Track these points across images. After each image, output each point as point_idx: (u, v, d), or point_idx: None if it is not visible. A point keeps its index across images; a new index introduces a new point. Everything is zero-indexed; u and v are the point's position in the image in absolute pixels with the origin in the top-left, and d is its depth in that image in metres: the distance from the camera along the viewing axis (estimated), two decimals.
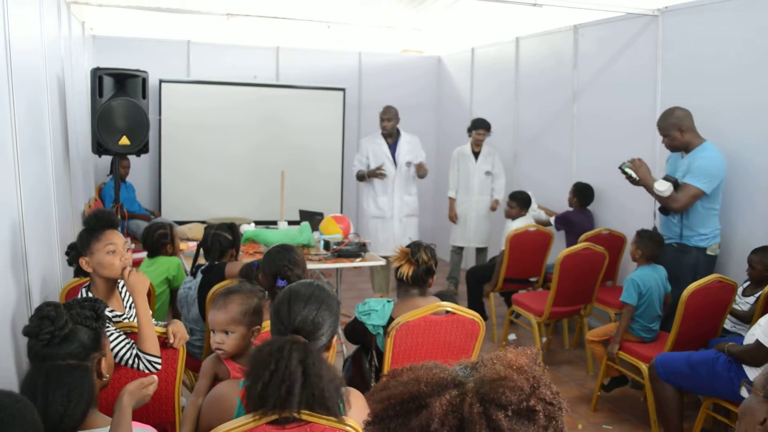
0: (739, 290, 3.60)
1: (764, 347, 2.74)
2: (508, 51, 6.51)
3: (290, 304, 1.76)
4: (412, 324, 2.70)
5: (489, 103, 6.86)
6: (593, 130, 5.34)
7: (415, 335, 2.72)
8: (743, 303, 3.60)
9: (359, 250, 4.40)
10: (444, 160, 6.73)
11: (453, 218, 6.14)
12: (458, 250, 6.23)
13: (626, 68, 4.95)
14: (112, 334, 2.24)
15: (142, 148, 4.55)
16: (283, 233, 4.67)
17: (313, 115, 7.25)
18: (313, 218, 5.00)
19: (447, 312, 2.74)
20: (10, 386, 1.95)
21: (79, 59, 5.33)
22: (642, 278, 3.65)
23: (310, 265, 4.00)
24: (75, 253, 2.49)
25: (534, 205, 5.37)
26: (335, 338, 1.86)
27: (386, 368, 2.70)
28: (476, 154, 6.01)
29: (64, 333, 1.66)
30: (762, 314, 3.11)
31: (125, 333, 2.33)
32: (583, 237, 4.61)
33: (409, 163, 5.65)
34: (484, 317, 3.50)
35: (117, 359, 2.22)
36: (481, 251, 6.18)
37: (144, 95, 4.53)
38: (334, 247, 4.39)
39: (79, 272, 2.68)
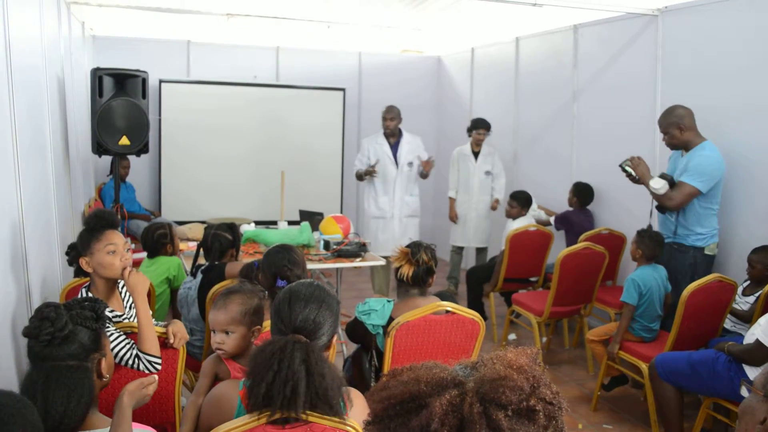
0: (739, 290, 3.60)
1: (764, 347, 2.74)
2: (508, 51, 6.51)
3: (291, 304, 1.76)
4: (412, 324, 2.70)
5: (489, 103, 6.86)
6: (593, 130, 5.34)
7: (415, 335, 2.72)
8: (743, 302, 3.60)
9: (359, 250, 4.40)
10: (444, 160, 6.72)
11: (453, 218, 6.14)
12: (458, 250, 6.23)
13: (626, 68, 4.95)
14: (112, 334, 2.24)
15: (142, 149, 4.55)
16: (283, 233, 4.67)
17: (313, 115, 7.25)
18: (313, 218, 5.01)
19: (447, 312, 2.74)
20: (10, 386, 1.95)
21: (79, 59, 5.33)
22: (642, 278, 3.66)
23: (310, 265, 4.00)
24: (75, 253, 2.49)
25: (534, 205, 5.37)
26: (335, 338, 1.86)
27: (386, 368, 2.70)
28: (476, 154, 6.01)
29: (64, 334, 1.66)
30: (762, 314, 3.11)
31: (125, 333, 2.33)
32: (583, 237, 4.62)
33: (410, 164, 5.64)
34: (484, 317, 3.50)
35: (117, 359, 2.22)
36: (481, 251, 6.18)
37: (144, 95, 4.53)
38: (334, 247, 4.39)
39: (80, 272, 2.68)
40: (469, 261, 6.63)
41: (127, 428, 1.69)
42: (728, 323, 3.64)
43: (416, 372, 0.90)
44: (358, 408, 1.72)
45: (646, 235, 3.76)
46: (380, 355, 2.77)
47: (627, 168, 3.97)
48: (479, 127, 5.93)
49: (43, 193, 3.11)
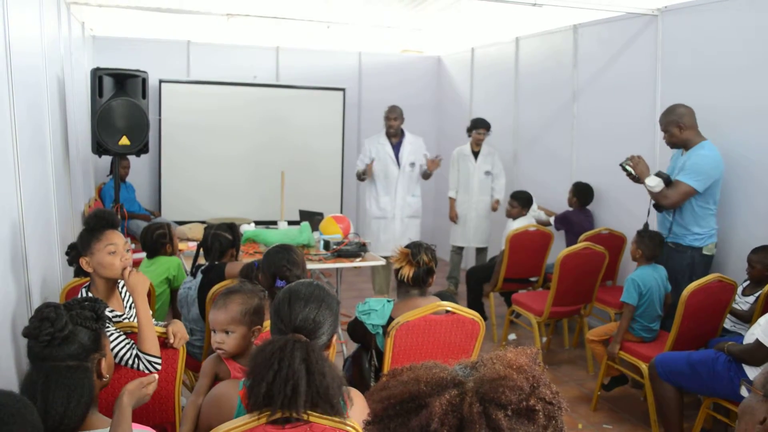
0: (739, 290, 3.60)
1: (764, 347, 2.74)
2: (508, 51, 6.51)
3: (290, 304, 1.76)
4: (412, 324, 2.70)
5: (489, 103, 6.86)
6: (593, 130, 5.34)
7: (415, 335, 2.72)
8: (743, 302, 3.60)
9: (359, 250, 4.40)
10: (444, 160, 6.71)
11: (453, 218, 6.14)
12: (458, 250, 6.23)
13: (626, 68, 4.95)
14: (112, 334, 2.24)
15: (141, 149, 4.55)
16: (283, 233, 4.67)
17: (313, 115, 7.25)
18: (313, 218, 5.01)
19: (447, 312, 2.74)
20: (10, 386, 1.95)
21: (79, 59, 5.34)
22: (642, 278, 3.66)
23: (310, 265, 4.00)
24: (75, 253, 2.49)
25: (534, 206, 5.37)
26: (335, 337, 1.86)
27: (386, 368, 2.70)
28: (476, 154, 6.01)
29: (63, 334, 1.66)
30: (762, 314, 3.11)
31: (125, 333, 2.33)
32: (582, 237, 4.62)
33: (412, 164, 5.63)
34: (484, 317, 3.50)
35: (117, 359, 2.22)
36: (481, 251, 6.18)
37: (144, 95, 4.53)
38: (334, 247, 4.39)
39: (80, 272, 2.68)
40: (469, 261, 6.63)
41: (127, 428, 1.69)
42: (728, 323, 3.64)
43: (416, 372, 0.90)
44: (358, 408, 1.72)
45: (645, 235, 3.76)
46: (380, 355, 2.77)
47: (627, 167, 3.98)
48: (479, 126, 5.93)
49: (43, 193, 3.11)
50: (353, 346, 3.09)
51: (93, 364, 1.71)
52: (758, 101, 3.84)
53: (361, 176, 5.61)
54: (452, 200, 6.16)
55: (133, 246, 4.28)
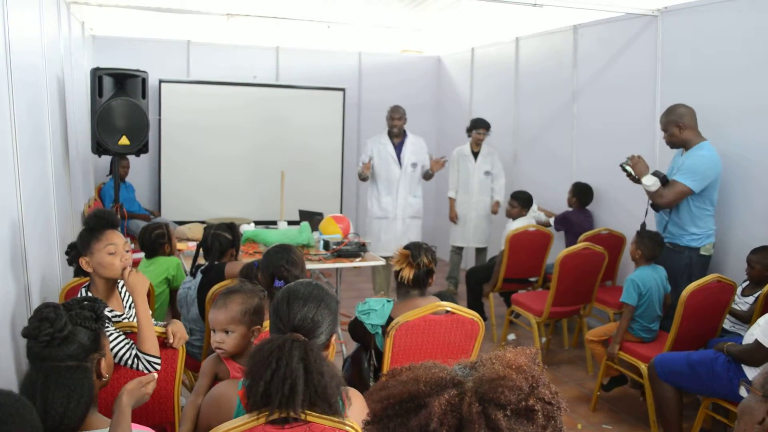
0: (738, 290, 3.60)
1: (763, 347, 2.74)
2: (508, 51, 6.51)
3: (289, 303, 1.76)
4: (411, 324, 2.70)
5: (489, 103, 6.86)
6: (593, 130, 5.34)
7: (414, 335, 2.72)
8: (742, 303, 3.60)
9: (359, 250, 4.40)
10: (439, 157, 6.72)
11: (453, 218, 6.14)
12: (458, 250, 6.23)
13: (626, 68, 4.95)
14: (111, 334, 2.24)
15: (141, 148, 4.55)
16: (283, 233, 4.67)
17: (312, 116, 7.25)
18: (312, 218, 5.00)
19: (446, 312, 2.74)
20: (10, 386, 1.95)
21: (78, 59, 5.34)
22: (642, 278, 3.66)
23: (309, 265, 4.00)
24: (75, 252, 2.49)
25: (534, 207, 5.37)
26: (334, 337, 1.86)
27: (385, 368, 2.70)
28: (475, 154, 6.01)
29: (63, 334, 1.66)
30: (761, 314, 3.11)
31: (125, 333, 2.33)
32: (582, 237, 4.62)
33: (414, 164, 5.62)
34: (484, 317, 3.50)
35: (116, 359, 2.22)
36: (480, 251, 6.18)
37: (144, 95, 4.53)
38: (334, 247, 4.39)
39: (79, 272, 2.68)
40: (468, 261, 6.63)
41: (127, 428, 1.69)
42: (727, 323, 3.64)
43: (415, 372, 0.90)
44: (357, 407, 1.72)
45: (645, 236, 3.77)
46: (379, 355, 2.77)
47: (627, 168, 3.98)
48: (479, 126, 5.93)
49: (43, 192, 3.12)
50: (353, 346, 3.09)
51: (92, 364, 1.71)
52: (758, 101, 3.84)
53: (363, 176, 5.60)
54: (452, 200, 6.16)
55: (132, 246, 4.28)
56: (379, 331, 2.77)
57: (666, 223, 3.95)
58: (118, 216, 2.73)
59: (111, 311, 2.45)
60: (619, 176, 4.18)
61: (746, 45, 3.93)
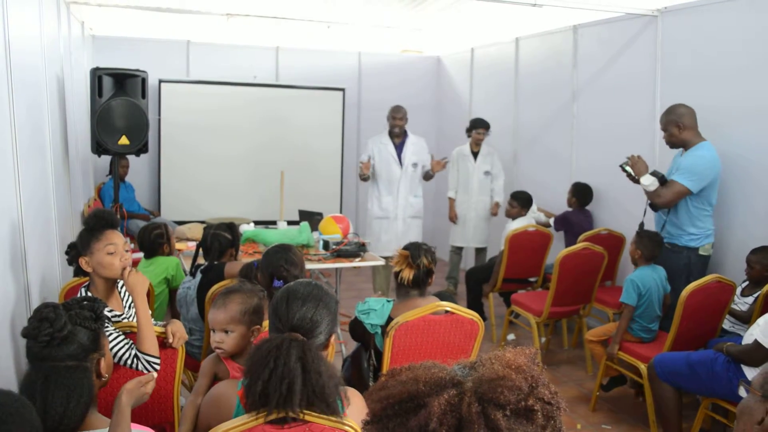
0: (738, 290, 3.60)
1: (763, 347, 2.74)
2: (507, 51, 6.51)
3: (288, 303, 1.76)
4: (411, 324, 2.70)
5: (489, 104, 6.86)
6: (593, 131, 5.34)
7: (414, 335, 2.72)
8: (742, 303, 3.60)
9: (358, 250, 4.40)
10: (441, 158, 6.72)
11: (453, 218, 6.14)
12: (457, 251, 6.23)
13: (626, 69, 4.95)
14: (111, 334, 2.24)
15: (141, 148, 4.55)
16: (283, 233, 4.67)
17: (312, 116, 7.25)
18: (312, 218, 5.01)
19: (446, 312, 2.74)
20: (10, 386, 1.95)
21: (78, 59, 5.33)
22: (641, 279, 3.66)
23: (309, 265, 4.00)
24: (75, 252, 2.49)
25: (534, 207, 5.37)
26: (333, 337, 1.86)
27: (385, 368, 2.70)
28: (475, 155, 6.01)
29: (63, 334, 1.66)
30: (761, 314, 3.11)
31: (124, 333, 2.33)
32: (582, 237, 4.62)
33: (415, 165, 5.62)
34: (483, 317, 3.51)
35: (116, 359, 2.22)
36: (480, 251, 6.18)
37: (143, 95, 4.53)
38: (334, 247, 4.39)
39: (79, 272, 2.68)
40: (468, 261, 6.63)
41: (126, 428, 1.69)
42: (727, 324, 3.64)
43: (415, 372, 0.90)
44: (356, 407, 1.72)
45: (645, 236, 3.77)
46: (379, 355, 2.77)
47: (627, 168, 3.99)
48: (478, 126, 5.94)
49: (43, 192, 3.12)
50: (352, 346, 3.09)
51: (92, 364, 1.71)
52: (758, 101, 3.84)
53: (363, 177, 5.58)
54: (452, 200, 6.16)
55: (132, 246, 4.28)
56: (379, 330, 2.77)
57: (664, 222, 3.96)
58: (118, 216, 2.73)
59: (111, 311, 2.45)
60: (618, 176, 4.19)
61: (746, 45, 3.93)
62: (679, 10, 4.44)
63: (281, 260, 2.74)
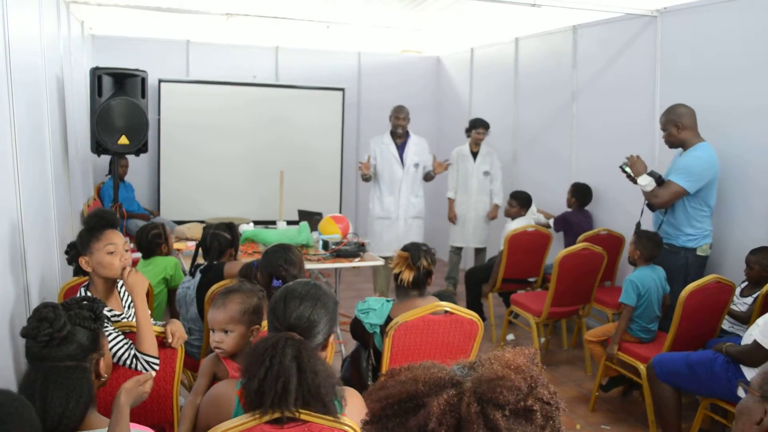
0: (737, 291, 3.60)
1: (762, 347, 2.74)
2: (507, 51, 6.51)
3: (286, 302, 1.76)
4: (410, 324, 2.70)
5: (488, 104, 6.87)
6: (592, 131, 5.34)
7: (413, 335, 2.72)
8: (741, 303, 3.60)
9: (358, 250, 4.40)
10: (442, 160, 6.71)
11: (452, 219, 6.14)
12: (457, 251, 6.23)
13: (625, 69, 4.95)
14: (110, 334, 2.24)
15: (141, 148, 4.55)
16: (282, 233, 4.67)
17: (312, 115, 7.25)
18: (311, 218, 5.01)
19: (446, 312, 2.74)
20: (9, 386, 1.95)
21: (78, 59, 5.33)
22: (641, 279, 3.66)
23: (308, 265, 4.00)
24: (74, 252, 2.49)
25: (533, 208, 5.38)
26: (332, 337, 1.86)
27: (384, 368, 2.70)
28: (474, 155, 6.01)
29: (62, 335, 1.66)
30: (760, 315, 3.11)
31: (124, 333, 2.33)
32: (581, 237, 4.62)
33: (417, 165, 5.62)
34: (483, 317, 3.51)
35: (115, 359, 2.22)
36: (479, 252, 6.18)
37: (143, 95, 4.53)
38: (333, 247, 4.39)
39: (79, 271, 2.68)
40: (467, 261, 6.63)
41: (125, 427, 1.69)
42: (726, 324, 3.64)
43: (414, 372, 0.90)
44: (355, 407, 1.72)
45: (644, 236, 3.77)
46: (378, 354, 2.77)
47: (626, 169, 3.99)
48: (478, 126, 5.94)
49: (42, 192, 3.11)
50: (352, 347, 3.09)
51: (91, 364, 1.71)
52: (757, 102, 3.84)
53: (365, 177, 5.58)
54: (451, 201, 6.16)
55: (132, 245, 4.28)
56: (378, 330, 2.77)
57: (660, 222, 3.96)
58: (117, 215, 2.73)
59: (110, 311, 2.45)
60: (618, 177, 4.19)
61: (746, 45, 3.93)
62: (678, 11, 4.44)
63: (280, 260, 2.74)
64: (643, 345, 3.68)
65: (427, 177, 5.69)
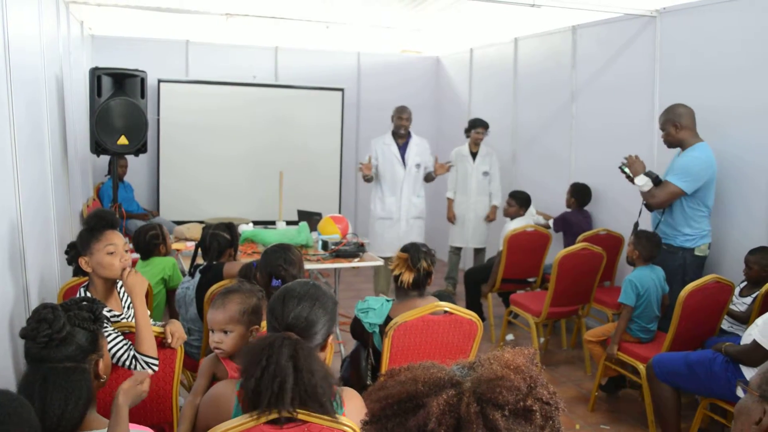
0: (736, 290, 3.61)
1: (761, 347, 2.74)
2: (506, 51, 6.51)
3: (284, 302, 1.76)
4: (410, 324, 2.70)
5: (488, 104, 6.87)
6: (592, 131, 5.35)
7: (413, 335, 2.72)
8: (740, 303, 3.60)
9: (357, 250, 4.40)
10: (442, 160, 6.71)
11: (451, 219, 6.14)
12: (456, 251, 6.23)
13: (624, 69, 4.95)
14: (110, 334, 2.23)
15: (140, 148, 4.55)
16: (282, 233, 4.67)
17: (311, 116, 7.25)
18: (311, 218, 5.00)
19: (445, 312, 2.74)
20: (8, 386, 1.94)
21: (77, 59, 5.33)
22: (640, 279, 3.66)
23: (308, 266, 4.00)
24: (74, 252, 2.49)
25: (532, 210, 5.38)
26: (331, 338, 1.86)
27: (384, 368, 2.70)
28: (474, 155, 6.01)
29: (61, 336, 1.66)
30: (759, 314, 3.11)
31: (123, 333, 2.33)
32: (581, 237, 4.62)
33: (418, 165, 5.62)
34: (482, 318, 3.51)
35: (114, 360, 2.22)
36: (479, 252, 6.18)
37: (142, 95, 4.53)
38: (332, 247, 4.39)
39: (78, 272, 2.68)
40: (467, 261, 6.63)
41: (124, 428, 1.69)
42: (725, 324, 3.65)
43: (414, 372, 0.90)
44: (354, 407, 1.72)
45: (643, 236, 3.77)
46: (377, 354, 2.77)
47: (626, 170, 4.00)
48: (477, 126, 5.94)
49: (42, 192, 3.11)
50: (352, 347, 3.09)
51: (90, 365, 1.71)
52: (757, 102, 3.85)
53: (367, 177, 5.58)
54: (450, 201, 6.16)
55: (131, 245, 4.28)
56: (377, 330, 2.77)
57: (658, 222, 3.96)
58: (117, 216, 2.73)
59: (110, 311, 2.45)
60: (617, 177, 4.19)
61: (745, 45, 3.93)
62: (677, 11, 4.44)
63: (280, 260, 2.74)
64: (642, 345, 3.68)
65: (428, 178, 5.69)
